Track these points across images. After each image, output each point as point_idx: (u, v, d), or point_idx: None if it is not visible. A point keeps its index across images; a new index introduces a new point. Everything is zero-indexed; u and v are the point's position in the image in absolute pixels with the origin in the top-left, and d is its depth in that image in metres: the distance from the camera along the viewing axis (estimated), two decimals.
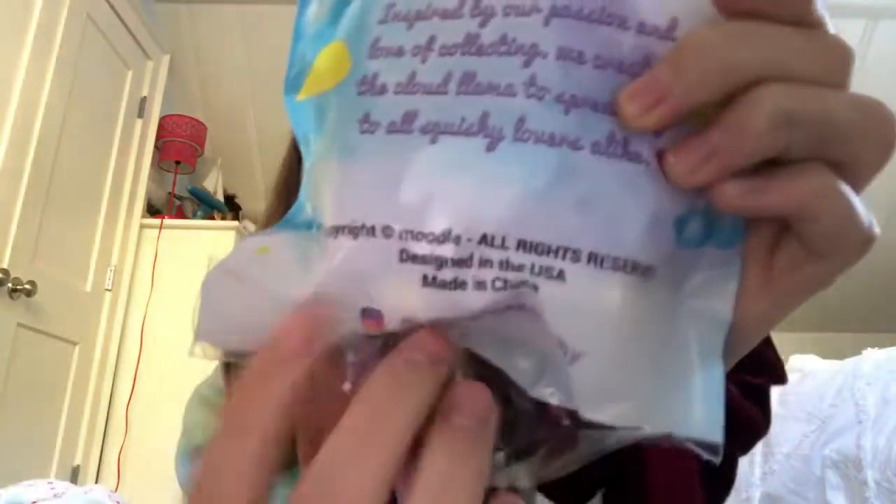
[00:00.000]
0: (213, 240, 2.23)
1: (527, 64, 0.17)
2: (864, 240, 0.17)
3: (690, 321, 0.18)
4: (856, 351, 1.30)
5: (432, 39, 0.18)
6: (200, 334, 0.21)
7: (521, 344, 0.18)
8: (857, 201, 0.17)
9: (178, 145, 2.45)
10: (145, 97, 2.29)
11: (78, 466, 1.90)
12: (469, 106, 0.17)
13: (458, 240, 0.17)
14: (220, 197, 2.70)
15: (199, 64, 2.64)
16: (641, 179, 0.17)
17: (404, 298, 0.17)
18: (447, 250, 0.17)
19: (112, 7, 2.06)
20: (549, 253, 0.17)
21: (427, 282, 0.17)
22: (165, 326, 2.10)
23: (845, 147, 0.17)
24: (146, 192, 2.28)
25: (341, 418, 0.16)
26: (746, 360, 0.21)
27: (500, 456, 0.20)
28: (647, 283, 0.17)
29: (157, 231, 2.22)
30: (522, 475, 0.20)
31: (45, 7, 1.73)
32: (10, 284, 1.59)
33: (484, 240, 0.17)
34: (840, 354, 1.44)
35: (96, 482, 1.96)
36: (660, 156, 0.17)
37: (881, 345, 1.29)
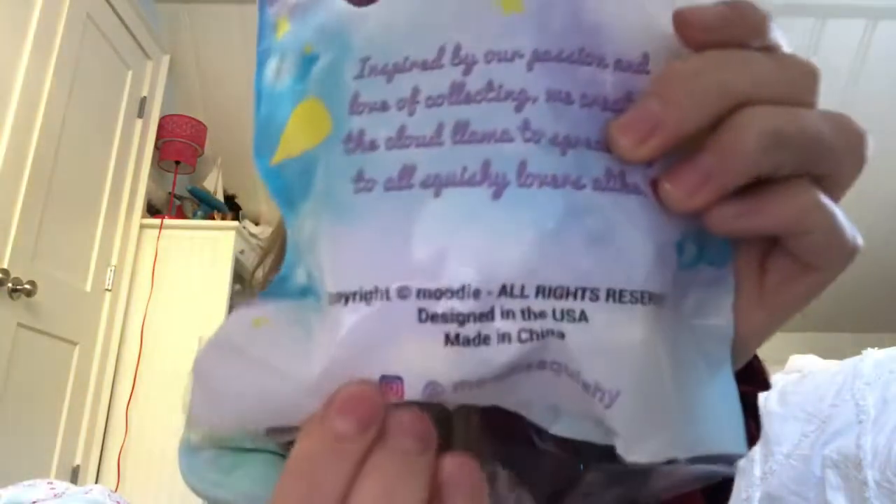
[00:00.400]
0: (213, 240, 2.23)
1: (519, 109, 0.17)
2: (851, 250, 0.18)
3: (697, 341, 0.18)
4: (856, 351, 1.30)
5: (416, 91, 0.18)
6: (196, 421, 0.19)
7: (540, 400, 0.18)
8: (841, 213, 0.18)
9: (178, 145, 2.45)
10: (145, 97, 2.29)
11: (78, 466, 1.90)
12: (468, 155, 0.17)
13: (477, 293, 0.16)
14: (220, 197, 2.70)
15: (199, 64, 2.64)
16: (643, 210, 0.17)
17: (427, 361, 0.17)
18: (468, 305, 0.16)
19: (112, 7, 2.06)
20: (568, 296, 0.17)
21: (450, 340, 0.16)
22: (165, 326, 2.10)
23: (828, 162, 0.17)
24: (146, 192, 2.28)
25: None
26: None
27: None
28: (661, 310, 0.18)
29: (157, 231, 2.21)
30: None
31: (45, 7, 1.73)
32: (10, 284, 1.58)
33: (503, 291, 0.16)
34: (840, 354, 1.44)
35: (96, 482, 1.96)
36: (653, 185, 0.17)
37: (881, 345, 1.29)
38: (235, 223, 2.33)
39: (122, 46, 2.15)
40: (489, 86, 0.17)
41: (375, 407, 0.16)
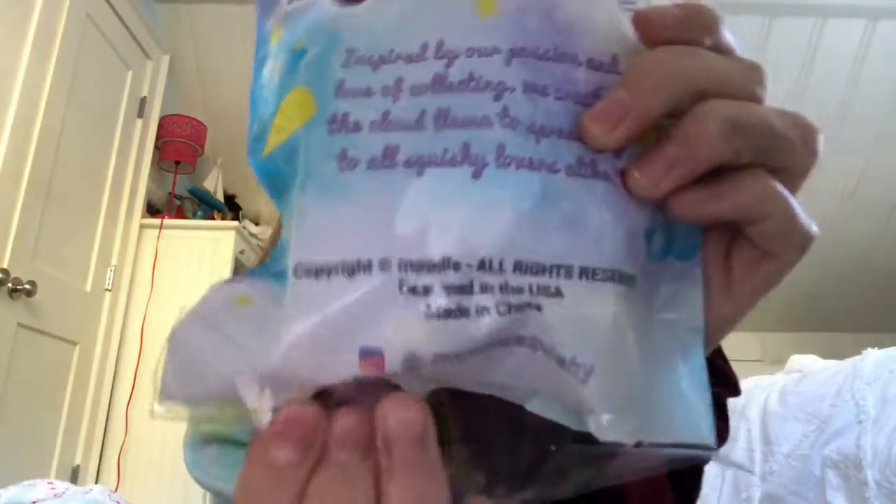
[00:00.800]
0: (213, 240, 2.23)
1: (497, 98, 0.18)
2: (807, 237, 0.19)
3: (668, 332, 0.19)
4: (856, 351, 1.30)
5: (400, 80, 0.19)
6: (166, 391, 0.20)
7: (515, 379, 0.19)
8: (797, 202, 0.19)
9: (178, 145, 2.45)
10: (145, 97, 2.29)
11: (78, 466, 1.90)
12: (449, 138, 0.18)
13: (457, 266, 0.17)
14: (220, 197, 2.70)
15: (199, 64, 2.65)
16: (613, 195, 0.18)
17: (407, 332, 0.17)
18: (448, 278, 0.17)
19: (112, 7, 2.06)
20: (544, 272, 0.17)
21: (430, 312, 0.17)
22: (165, 326, 2.07)
23: (783, 154, 0.19)
24: (146, 192, 2.28)
25: None
26: None
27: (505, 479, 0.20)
28: (632, 291, 0.18)
29: (157, 231, 2.22)
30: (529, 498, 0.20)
31: (45, 7, 1.73)
32: (10, 284, 1.59)
33: (482, 265, 0.17)
34: (840, 354, 1.44)
35: (96, 482, 1.96)
36: (622, 175, 0.19)
37: (881, 345, 1.29)
38: (235, 223, 2.33)
39: (122, 46, 2.15)
40: (469, 76, 0.18)
41: (314, 429, 0.17)
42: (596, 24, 0.19)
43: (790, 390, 1.30)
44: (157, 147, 2.39)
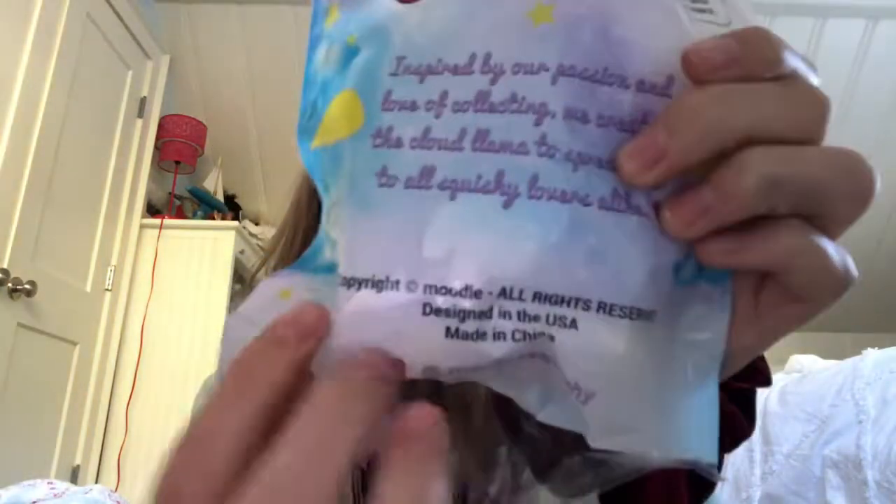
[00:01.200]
0: (213, 240, 2.23)
1: (537, 123, 0.18)
2: (840, 286, 0.18)
3: (688, 353, 0.19)
4: (856, 351, 1.30)
5: (444, 95, 0.19)
6: None
7: (530, 383, 0.19)
8: (834, 250, 0.18)
9: (178, 145, 2.45)
10: (145, 97, 2.29)
11: (78, 466, 1.90)
12: (485, 163, 0.18)
13: (479, 294, 0.18)
14: (220, 197, 2.70)
15: (199, 64, 2.64)
16: (643, 231, 0.18)
17: (427, 349, 0.18)
18: (469, 304, 0.18)
19: (112, 7, 2.06)
20: (562, 303, 0.18)
21: (450, 333, 0.18)
22: (165, 326, 2.10)
23: (825, 204, 0.18)
24: (146, 192, 2.28)
25: (290, 429, 0.17)
26: None
27: (525, 476, 0.21)
28: (650, 325, 0.19)
29: (157, 231, 2.21)
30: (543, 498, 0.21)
31: (45, 7, 1.73)
32: (10, 284, 1.58)
33: (503, 293, 0.18)
34: (840, 354, 1.44)
35: (96, 482, 1.96)
36: (657, 207, 0.18)
37: (881, 345, 1.29)
38: (235, 223, 2.33)
39: (122, 46, 2.15)
40: (513, 97, 0.18)
41: (318, 321, 0.18)
42: (655, 42, 0.18)
43: (790, 390, 1.30)
44: (157, 147, 2.39)
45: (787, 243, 0.18)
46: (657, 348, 0.19)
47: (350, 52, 0.21)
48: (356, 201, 0.19)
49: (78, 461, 1.91)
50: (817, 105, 0.18)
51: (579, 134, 0.18)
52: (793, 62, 0.18)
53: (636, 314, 0.18)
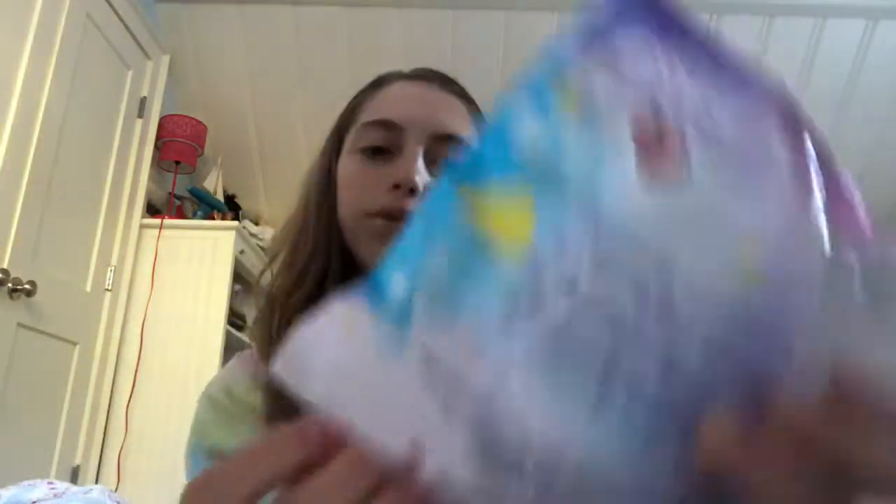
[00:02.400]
0: (213, 240, 2.23)
1: None
2: None
3: None
4: None
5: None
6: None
7: None
8: None
9: (178, 145, 2.45)
10: (145, 97, 2.29)
11: (78, 466, 1.90)
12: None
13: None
14: (220, 197, 2.70)
15: (199, 64, 2.64)
16: None
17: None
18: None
19: (112, 7, 2.06)
20: None
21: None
22: (165, 326, 2.10)
23: None
24: (146, 192, 2.28)
25: None
26: None
27: None
28: None
29: (157, 231, 2.21)
30: None
31: (45, 7, 1.73)
32: (10, 284, 1.59)
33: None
34: None
35: (96, 482, 1.96)
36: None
37: None
38: (235, 223, 2.33)
39: (122, 46, 2.15)
40: None
41: (321, 436, 0.21)
42: None
43: None
44: (157, 147, 2.39)
45: None
46: None
47: (558, 180, 0.22)
48: (460, 308, 0.21)
49: (78, 461, 1.91)
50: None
51: None
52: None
53: None
